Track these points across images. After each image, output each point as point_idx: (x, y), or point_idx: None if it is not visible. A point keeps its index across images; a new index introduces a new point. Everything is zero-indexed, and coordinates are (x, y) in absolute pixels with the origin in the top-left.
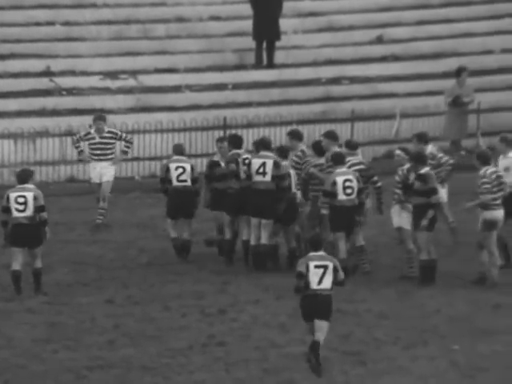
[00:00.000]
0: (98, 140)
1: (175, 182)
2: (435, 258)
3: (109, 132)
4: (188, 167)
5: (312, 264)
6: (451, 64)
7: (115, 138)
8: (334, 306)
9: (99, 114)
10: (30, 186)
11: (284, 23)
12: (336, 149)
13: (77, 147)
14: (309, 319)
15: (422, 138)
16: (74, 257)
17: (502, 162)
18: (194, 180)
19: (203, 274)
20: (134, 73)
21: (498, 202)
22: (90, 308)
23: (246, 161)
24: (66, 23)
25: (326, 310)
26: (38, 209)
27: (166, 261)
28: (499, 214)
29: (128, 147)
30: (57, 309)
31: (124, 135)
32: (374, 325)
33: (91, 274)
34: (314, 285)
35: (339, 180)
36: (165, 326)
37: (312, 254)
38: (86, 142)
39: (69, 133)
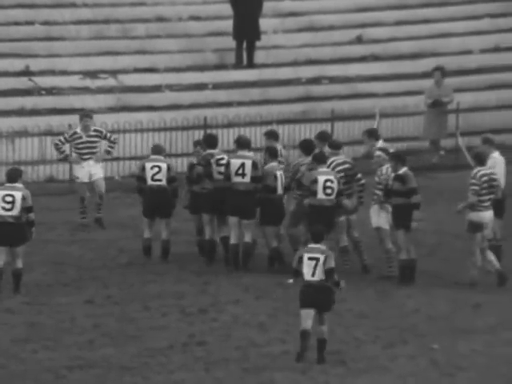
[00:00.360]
0: (85, 139)
1: (149, 181)
2: (415, 257)
3: (95, 130)
4: (164, 166)
5: (306, 256)
6: (430, 64)
7: (100, 137)
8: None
9: (86, 112)
10: (19, 185)
11: (264, 23)
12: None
13: (62, 152)
14: (304, 306)
15: (373, 134)
16: (53, 257)
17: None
18: (170, 179)
19: (183, 274)
20: (113, 72)
21: (486, 204)
22: (70, 308)
23: (222, 161)
24: (46, 23)
25: (322, 301)
26: (26, 209)
27: (146, 261)
28: (485, 215)
29: (112, 147)
30: (36, 309)
31: (108, 135)
32: (354, 324)
33: (71, 274)
34: (307, 276)
35: (321, 179)
36: (145, 326)
37: (311, 245)
38: (72, 143)
39: (48, 132)
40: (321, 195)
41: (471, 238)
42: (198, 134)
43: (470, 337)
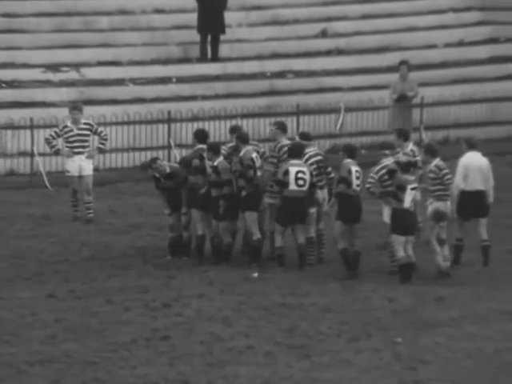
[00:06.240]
0: (75, 132)
1: None
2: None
3: (85, 123)
4: None
5: (409, 186)
6: (395, 58)
7: (91, 130)
8: (278, 299)
9: (76, 104)
10: None
11: (229, 16)
12: (284, 140)
13: (52, 146)
14: (401, 233)
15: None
16: (14, 251)
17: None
18: None
19: (147, 268)
20: (76, 65)
21: (449, 192)
22: (31, 302)
23: None
24: (6, 15)
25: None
26: None
27: (109, 255)
28: (448, 205)
29: (103, 144)
30: None
31: (99, 130)
32: (318, 318)
33: (32, 268)
34: (407, 204)
35: (292, 170)
36: (108, 320)
37: (406, 177)
38: (63, 136)
39: (9, 126)
40: (293, 186)
41: (432, 227)
42: (162, 128)
43: (433, 330)
